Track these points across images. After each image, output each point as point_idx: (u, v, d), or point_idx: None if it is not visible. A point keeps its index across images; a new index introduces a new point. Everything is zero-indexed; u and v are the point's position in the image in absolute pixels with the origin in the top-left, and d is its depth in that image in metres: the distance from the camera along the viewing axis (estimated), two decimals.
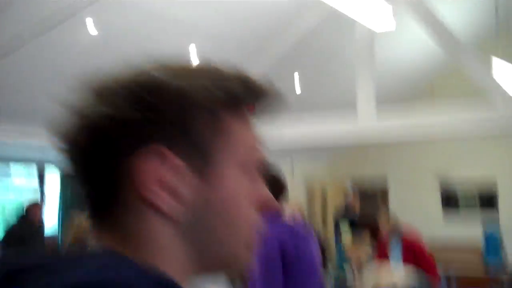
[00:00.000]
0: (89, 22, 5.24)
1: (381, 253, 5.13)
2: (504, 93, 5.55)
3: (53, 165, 8.16)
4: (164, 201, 0.62)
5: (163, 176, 0.62)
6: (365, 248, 5.70)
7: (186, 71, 0.66)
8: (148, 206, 0.62)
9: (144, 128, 0.62)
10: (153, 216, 0.62)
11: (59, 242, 7.56)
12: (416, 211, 9.77)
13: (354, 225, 8.04)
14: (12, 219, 6.66)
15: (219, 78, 0.66)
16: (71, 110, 0.63)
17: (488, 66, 5.93)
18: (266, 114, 0.71)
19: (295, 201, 6.80)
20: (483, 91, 5.63)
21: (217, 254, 0.67)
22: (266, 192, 0.70)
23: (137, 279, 0.54)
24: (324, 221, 11.21)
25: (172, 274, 0.60)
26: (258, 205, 0.69)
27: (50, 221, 8.09)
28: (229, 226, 0.66)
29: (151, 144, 0.61)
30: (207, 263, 0.67)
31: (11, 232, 6.47)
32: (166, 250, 0.63)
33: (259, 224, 0.69)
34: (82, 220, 5.12)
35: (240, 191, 0.66)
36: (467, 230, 9.88)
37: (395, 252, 4.96)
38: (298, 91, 7.13)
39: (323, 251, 5.12)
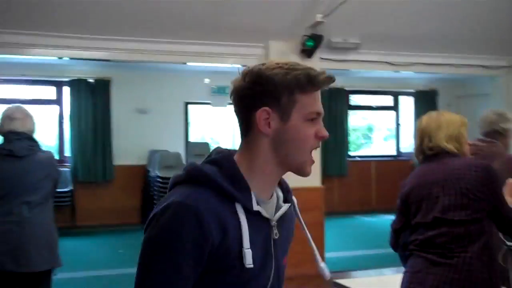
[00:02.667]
0: None
1: None
2: None
3: None
4: (265, 128, 1.40)
5: (266, 119, 1.40)
6: None
7: (279, 67, 1.41)
8: (260, 131, 1.41)
9: (260, 97, 1.40)
10: (260, 135, 1.41)
11: None
12: None
13: None
14: None
15: (294, 71, 1.40)
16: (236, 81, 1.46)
17: None
18: (322, 88, 1.44)
19: None
20: None
21: (290, 160, 1.43)
22: (321, 129, 1.44)
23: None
24: None
25: (264, 166, 1.43)
26: (317, 136, 1.43)
27: None
28: (296, 146, 1.42)
29: (262, 106, 1.40)
30: (285, 164, 1.44)
31: None
32: (264, 153, 1.43)
33: (315, 146, 1.44)
34: None
35: (302, 130, 1.41)
36: None
37: None
38: None
39: None
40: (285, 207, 1.53)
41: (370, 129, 13.44)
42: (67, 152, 10.02)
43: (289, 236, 1.61)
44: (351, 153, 12.05)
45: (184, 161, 9.82)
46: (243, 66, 6.94)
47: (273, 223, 1.48)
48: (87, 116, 9.73)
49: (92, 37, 5.90)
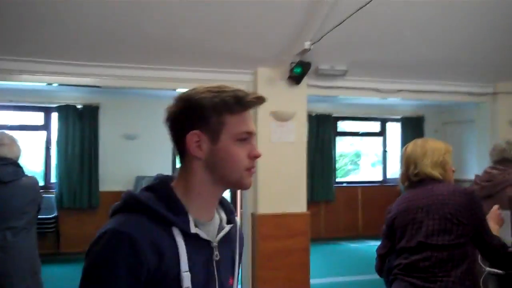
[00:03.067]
0: None
1: None
2: None
3: None
4: (197, 151, 1.45)
5: (196, 142, 1.44)
6: None
7: (208, 90, 1.47)
8: (192, 155, 1.46)
9: (190, 121, 1.45)
10: (194, 158, 1.46)
11: None
12: None
13: None
14: None
15: (223, 93, 1.46)
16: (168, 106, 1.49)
17: None
18: (252, 108, 1.49)
19: None
20: None
21: (226, 179, 1.48)
22: (253, 149, 1.48)
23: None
24: None
25: (200, 187, 1.47)
26: (250, 156, 1.47)
27: None
28: (228, 166, 1.46)
29: (193, 129, 1.44)
30: (222, 183, 1.49)
31: None
32: (199, 175, 1.47)
33: (248, 165, 1.48)
34: None
35: (233, 150, 1.45)
36: None
37: None
38: None
39: None
40: (227, 228, 1.55)
41: (357, 155, 13.50)
42: (53, 178, 9.96)
43: (234, 256, 1.62)
44: (338, 179, 12.07)
45: None
46: None
47: (214, 244, 1.50)
48: (74, 142, 9.70)
49: (81, 63, 5.91)
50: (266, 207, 6.35)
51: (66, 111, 9.69)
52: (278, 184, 6.39)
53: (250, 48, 6.10)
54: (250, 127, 1.48)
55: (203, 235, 1.46)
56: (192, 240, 1.43)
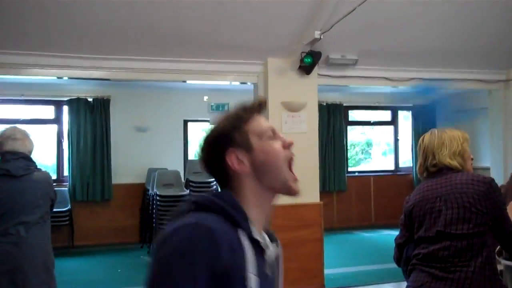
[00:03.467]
0: None
1: None
2: None
3: None
4: (241, 167, 1.52)
5: (236, 158, 1.52)
6: None
7: (221, 119, 1.59)
8: (237, 173, 1.52)
9: (220, 149, 1.53)
10: (241, 175, 1.53)
11: None
12: None
13: None
14: None
15: (231, 113, 1.59)
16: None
17: None
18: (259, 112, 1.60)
19: None
20: None
21: (274, 182, 1.53)
22: (284, 139, 1.57)
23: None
24: None
25: (255, 198, 1.53)
26: (285, 146, 1.56)
27: None
28: (271, 163, 1.53)
29: (228, 148, 1.53)
30: (272, 188, 1.54)
31: None
32: (251, 188, 1.53)
33: (287, 155, 1.56)
34: None
35: (268, 147, 1.54)
36: None
37: None
38: None
39: None
40: (274, 246, 1.58)
41: (369, 144, 13.45)
42: (66, 172, 10.01)
43: (274, 279, 1.62)
44: (350, 169, 12.04)
45: (183, 179, 9.79)
46: (242, 83, 6.98)
47: (267, 256, 1.53)
48: (85, 135, 9.73)
49: (91, 56, 5.92)
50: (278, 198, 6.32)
51: (77, 104, 9.72)
52: None
53: (260, 39, 6.08)
54: (268, 124, 1.59)
55: (262, 242, 1.50)
56: (254, 247, 1.46)
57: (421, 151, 2.88)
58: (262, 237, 1.53)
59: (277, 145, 1.56)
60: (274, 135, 1.58)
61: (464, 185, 2.67)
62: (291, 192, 1.57)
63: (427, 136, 2.91)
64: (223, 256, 1.35)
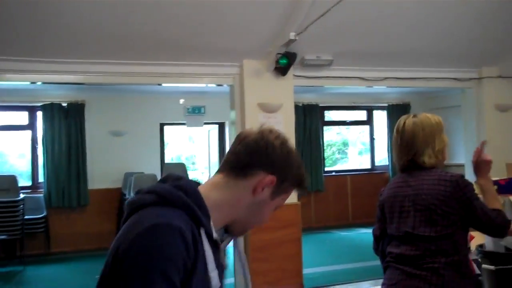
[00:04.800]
0: None
1: None
2: None
3: None
4: (259, 191, 1.52)
5: (266, 185, 1.52)
6: None
7: (297, 155, 1.61)
8: (252, 189, 1.52)
9: (275, 168, 1.53)
10: (249, 190, 1.52)
11: None
12: None
13: None
14: None
15: (300, 169, 1.60)
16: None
17: None
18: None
19: None
20: None
21: (238, 224, 1.57)
22: (266, 218, 1.61)
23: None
24: None
25: (232, 211, 1.54)
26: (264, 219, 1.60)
27: None
28: (255, 219, 1.57)
29: (272, 174, 1.53)
30: (232, 223, 1.56)
31: None
32: (239, 203, 1.53)
33: (263, 222, 1.60)
34: None
35: (268, 212, 1.58)
36: None
37: None
38: None
39: None
40: (229, 238, 1.61)
41: (345, 144, 13.54)
42: (41, 178, 9.89)
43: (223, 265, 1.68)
44: (327, 169, 12.11)
45: None
46: (218, 85, 6.95)
47: (223, 253, 1.57)
48: (60, 140, 9.62)
49: (65, 60, 5.86)
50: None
51: (51, 109, 9.61)
52: None
53: (236, 41, 6.08)
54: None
55: (220, 242, 1.53)
56: (211, 243, 1.48)
57: (403, 141, 2.80)
58: (219, 234, 1.55)
59: (266, 217, 1.60)
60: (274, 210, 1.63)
61: (431, 186, 2.65)
62: (236, 234, 1.61)
63: (409, 127, 2.81)
64: (190, 256, 1.36)
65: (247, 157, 1.54)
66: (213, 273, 1.44)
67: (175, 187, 1.47)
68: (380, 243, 2.94)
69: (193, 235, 1.38)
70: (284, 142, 1.58)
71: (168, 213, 1.39)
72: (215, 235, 1.48)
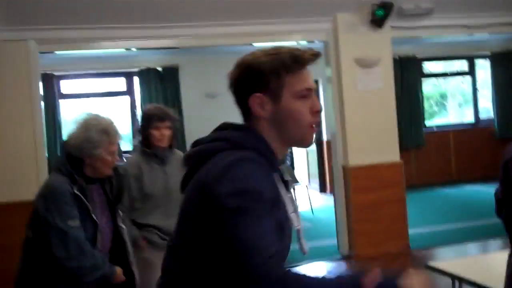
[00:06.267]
0: None
1: None
2: None
3: None
4: (260, 112, 1.52)
5: (259, 103, 1.51)
6: None
7: (265, 54, 1.52)
8: (256, 115, 1.53)
9: (251, 86, 1.53)
10: (258, 119, 1.54)
11: None
12: None
13: None
14: None
15: (279, 54, 1.51)
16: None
17: None
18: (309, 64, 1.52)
19: None
20: None
21: (290, 136, 1.53)
22: (315, 104, 1.52)
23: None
24: None
25: (270, 140, 1.51)
26: (312, 111, 1.52)
27: None
28: (292, 123, 1.51)
29: (255, 92, 1.52)
30: (285, 140, 1.54)
31: None
32: (265, 132, 1.52)
33: (312, 120, 1.52)
34: None
35: (295, 108, 1.50)
36: None
37: None
38: None
39: None
40: (289, 176, 1.62)
41: (443, 96, 12.94)
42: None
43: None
44: (427, 123, 11.63)
45: None
46: (310, 42, 6.74)
47: (291, 191, 1.60)
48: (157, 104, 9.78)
49: (157, 25, 5.86)
50: (356, 159, 6.18)
51: (147, 74, 9.78)
52: (367, 134, 6.18)
53: None
54: (309, 83, 1.53)
55: (289, 184, 1.57)
56: (283, 186, 1.53)
57: None
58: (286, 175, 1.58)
59: (304, 109, 1.52)
60: (306, 96, 1.53)
61: None
62: (303, 145, 1.58)
63: None
64: (274, 191, 1.45)
65: (234, 97, 1.61)
66: (293, 215, 1.50)
67: (242, 133, 1.53)
68: (503, 206, 2.66)
69: (270, 175, 1.46)
70: (242, 63, 1.57)
71: (243, 153, 1.45)
72: (286, 176, 1.54)
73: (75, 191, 2.64)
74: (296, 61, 1.51)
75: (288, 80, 1.51)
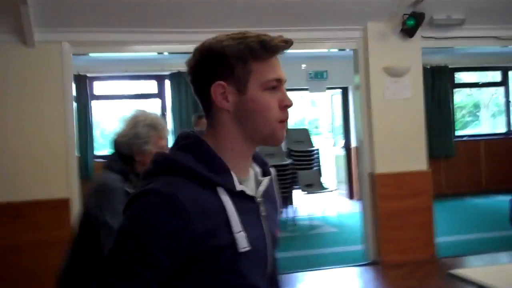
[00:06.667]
0: None
1: None
2: None
3: None
4: (223, 103, 1.33)
5: (222, 93, 1.32)
6: None
7: (230, 37, 1.33)
8: (218, 107, 1.34)
9: (213, 72, 1.33)
10: (221, 111, 1.34)
11: None
12: None
13: None
14: None
15: (246, 39, 1.32)
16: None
17: None
18: (279, 53, 1.35)
19: None
20: None
21: (257, 133, 1.35)
22: (284, 98, 1.36)
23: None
24: None
25: (233, 142, 1.35)
26: (281, 106, 1.35)
27: None
28: (259, 117, 1.33)
29: (217, 80, 1.32)
30: (253, 138, 1.36)
31: None
32: (229, 129, 1.35)
33: (280, 116, 1.35)
34: None
35: (262, 100, 1.32)
36: None
37: None
38: None
39: None
40: (265, 180, 1.43)
41: (476, 106, 12.80)
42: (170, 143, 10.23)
43: (274, 207, 1.50)
44: (457, 133, 11.53)
45: (283, 149, 9.75)
46: (341, 50, 6.78)
47: (258, 200, 1.38)
48: (187, 108, 9.90)
49: (188, 30, 5.94)
50: (384, 167, 6.19)
51: (178, 78, 9.89)
52: (395, 142, 6.18)
53: (359, 2, 5.87)
54: (279, 73, 1.35)
55: (248, 191, 1.34)
56: (238, 199, 1.31)
57: None
58: (249, 181, 1.39)
59: (272, 102, 1.33)
60: (276, 87, 1.34)
61: None
62: (273, 143, 1.38)
63: None
64: (193, 225, 1.22)
65: (193, 87, 1.39)
66: (239, 234, 1.27)
67: (179, 149, 1.34)
68: None
69: (198, 201, 1.24)
70: (202, 46, 1.36)
71: (164, 181, 1.27)
72: (238, 187, 1.31)
73: (128, 189, 2.58)
74: (264, 47, 1.31)
75: (256, 68, 1.32)
